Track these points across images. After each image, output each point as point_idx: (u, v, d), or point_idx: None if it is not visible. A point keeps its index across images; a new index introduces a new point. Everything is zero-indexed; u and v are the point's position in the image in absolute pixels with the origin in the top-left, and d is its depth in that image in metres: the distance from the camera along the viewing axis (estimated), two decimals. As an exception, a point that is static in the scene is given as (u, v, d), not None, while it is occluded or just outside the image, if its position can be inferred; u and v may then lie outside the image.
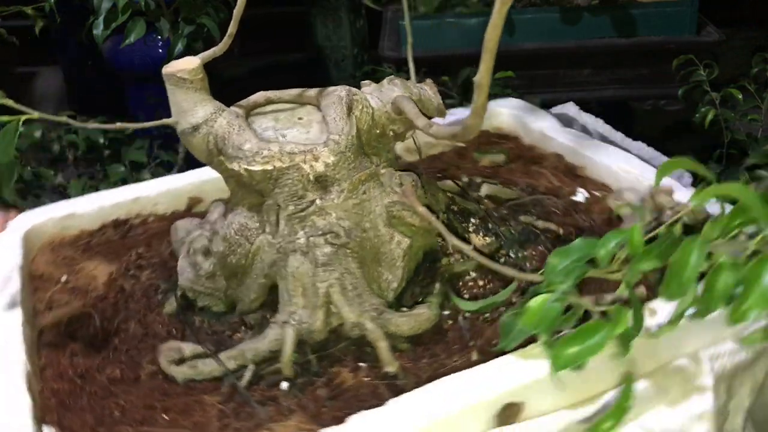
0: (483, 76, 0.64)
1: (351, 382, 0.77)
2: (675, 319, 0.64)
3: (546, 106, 1.74)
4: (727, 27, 2.19)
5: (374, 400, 0.74)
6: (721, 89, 1.61)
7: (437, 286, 0.89)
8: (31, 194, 1.62)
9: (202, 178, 1.11)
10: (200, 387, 0.78)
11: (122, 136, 1.82)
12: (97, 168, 1.81)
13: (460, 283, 0.91)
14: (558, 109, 1.74)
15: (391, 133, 0.89)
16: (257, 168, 0.79)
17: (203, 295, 0.88)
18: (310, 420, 0.72)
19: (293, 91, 0.90)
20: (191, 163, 1.16)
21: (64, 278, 0.94)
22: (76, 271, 0.95)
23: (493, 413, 0.71)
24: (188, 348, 0.81)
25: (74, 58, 2.99)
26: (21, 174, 1.64)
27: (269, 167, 0.79)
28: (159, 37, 2.15)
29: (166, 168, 1.80)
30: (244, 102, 0.88)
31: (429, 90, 0.91)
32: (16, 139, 0.72)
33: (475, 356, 0.80)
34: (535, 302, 0.66)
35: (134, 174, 1.67)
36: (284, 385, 0.78)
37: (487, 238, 0.96)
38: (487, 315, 0.86)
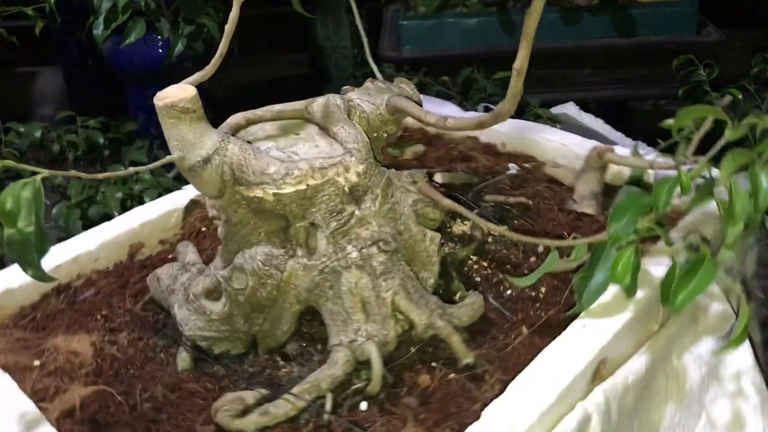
0: (521, 62, 0.66)
1: (433, 383, 0.76)
2: (735, 240, 0.71)
3: (546, 106, 1.74)
4: (728, 27, 2.19)
5: (466, 393, 0.75)
6: (721, 89, 1.61)
7: (454, 274, 0.89)
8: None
9: (140, 222, 1.01)
10: (279, 432, 0.72)
11: (122, 136, 1.82)
12: (98, 168, 1.80)
13: (466, 268, 0.93)
14: (558, 108, 1.74)
15: (385, 135, 0.87)
16: (289, 190, 0.75)
17: (218, 340, 0.82)
18: (424, 429, 0.70)
19: (273, 108, 0.86)
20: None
21: (36, 363, 0.80)
22: (45, 351, 0.82)
23: (592, 373, 0.75)
24: (250, 395, 0.74)
25: (74, 58, 2.97)
26: (21, 175, 1.64)
27: (302, 187, 0.75)
28: (159, 37, 2.14)
29: (166, 168, 1.80)
30: (223, 126, 0.83)
31: (407, 87, 0.90)
32: (42, 205, 0.61)
33: (525, 330, 0.83)
34: (621, 257, 0.74)
35: (135, 174, 1.67)
36: (363, 405, 0.74)
37: (467, 223, 0.96)
38: (509, 291, 0.89)
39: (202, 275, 0.83)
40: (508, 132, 1.22)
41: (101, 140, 1.71)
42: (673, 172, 1.00)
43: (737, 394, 0.90)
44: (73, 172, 0.62)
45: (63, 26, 2.16)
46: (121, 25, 1.55)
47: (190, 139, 0.73)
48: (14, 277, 0.90)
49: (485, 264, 0.94)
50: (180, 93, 0.72)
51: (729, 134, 0.75)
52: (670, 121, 1.00)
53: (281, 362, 0.81)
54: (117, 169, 1.62)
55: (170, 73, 1.86)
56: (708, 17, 2.18)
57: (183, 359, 0.82)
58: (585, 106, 1.84)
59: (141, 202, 1.49)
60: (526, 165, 1.17)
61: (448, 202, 0.84)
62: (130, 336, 0.85)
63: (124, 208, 1.48)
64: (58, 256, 0.95)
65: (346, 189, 0.77)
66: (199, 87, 0.76)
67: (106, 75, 2.54)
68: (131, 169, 0.67)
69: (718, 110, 0.76)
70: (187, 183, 1.10)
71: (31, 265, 0.61)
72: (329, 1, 2.80)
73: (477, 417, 0.71)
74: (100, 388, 0.76)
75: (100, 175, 0.66)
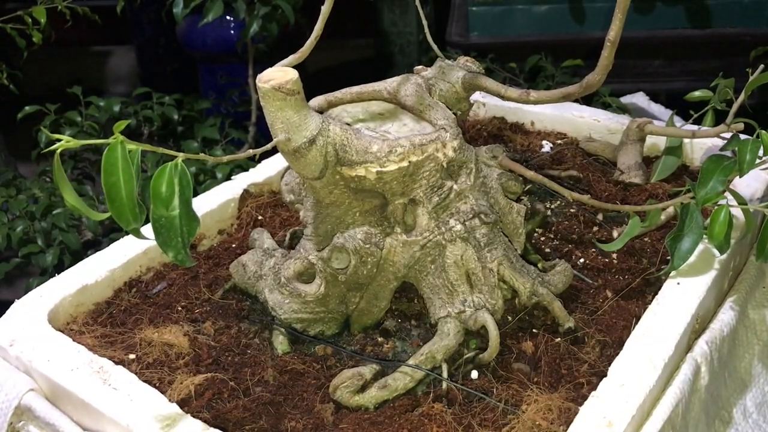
0: (615, 34, 0.68)
1: (539, 348, 0.78)
2: None
3: (614, 96, 1.72)
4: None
5: (572, 355, 0.77)
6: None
7: (527, 246, 0.91)
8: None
9: (201, 213, 1.00)
10: (399, 405, 0.73)
11: (195, 113, 1.88)
12: (170, 143, 1.87)
13: (533, 240, 0.95)
14: (627, 98, 1.72)
15: (459, 113, 0.89)
16: (392, 167, 0.75)
17: (313, 321, 0.83)
18: (544, 391, 0.73)
19: (352, 90, 0.87)
20: (261, 142, 1.16)
21: (132, 357, 0.80)
22: (137, 345, 0.81)
23: (692, 327, 0.80)
24: (367, 370, 0.75)
25: (147, 37, 3.07)
26: (98, 148, 1.70)
27: (405, 164, 0.76)
28: (231, 19, 2.20)
29: (237, 145, 1.85)
30: None
31: (472, 65, 0.91)
32: (190, 188, 0.61)
33: (609, 294, 0.87)
34: (716, 217, 0.78)
35: (207, 150, 1.72)
36: (474, 374, 0.76)
37: (524, 197, 0.98)
38: (582, 259, 0.93)
39: (291, 259, 0.83)
40: (538, 111, 1.24)
41: (176, 116, 1.77)
42: (712, 140, 1.04)
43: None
44: (203, 156, 0.63)
45: (139, 6, 2.22)
46: (201, 5, 1.60)
47: (296, 120, 0.73)
48: (88, 273, 0.90)
49: (551, 236, 0.97)
50: (282, 75, 0.71)
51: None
52: (696, 93, 1.04)
53: (380, 339, 0.82)
54: (190, 145, 1.68)
55: (243, 53, 1.91)
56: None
57: (281, 342, 0.82)
58: (654, 99, 1.81)
59: (213, 176, 1.54)
60: (558, 142, 1.21)
61: (531, 174, 0.86)
62: (215, 324, 0.85)
63: (197, 182, 1.53)
64: (128, 249, 0.94)
65: (444, 164, 0.78)
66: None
67: (178, 55, 2.61)
68: (250, 151, 0.68)
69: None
70: (255, 163, 1.13)
71: (174, 248, 0.61)
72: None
73: (589, 377, 0.74)
74: (211, 375, 0.76)
75: (226, 158, 0.67)
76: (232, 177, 1.11)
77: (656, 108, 1.71)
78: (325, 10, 0.76)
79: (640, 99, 1.73)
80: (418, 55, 2.79)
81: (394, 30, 2.84)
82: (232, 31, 2.20)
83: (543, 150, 1.18)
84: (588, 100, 1.65)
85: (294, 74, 0.72)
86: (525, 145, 1.20)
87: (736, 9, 2.04)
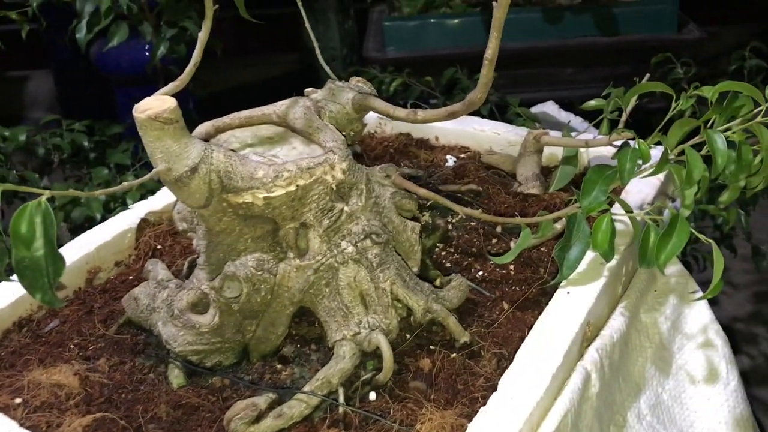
0: (492, 52, 0.69)
1: (435, 365, 0.79)
2: (692, 200, 0.80)
3: (529, 104, 1.76)
4: (718, 24, 2.21)
5: (468, 370, 0.78)
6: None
7: (427, 261, 0.93)
8: (18, 198, 1.62)
9: (95, 245, 0.98)
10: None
11: (107, 139, 1.83)
12: (83, 171, 1.82)
13: (434, 255, 0.97)
14: (538, 107, 1.76)
15: (352, 133, 0.89)
16: (279, 192, 0.75)
17: (210, 353, 0.81)
18: (439, 408, 0.73)
19: (240, 115, 0.87)
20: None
21: (18, 401, 0.77)
22: (24, 388, 0.78)
23: (583, 335, 0.81)
24: (261, 400, 0.74)
25: (64, 61, 2.99)
26: (6, 177, 1.65)
27: (292, 188, 0.75)
28: (146, 40, 2.16)
29: (150, 169, 1.81)
30: (194, 135, 0.81)
31: (364, 85, 0.92)
32: (54, 226, 0.59)
33: (506, 305, 0.88)
34: (599, 226, 0.80)
35: (119, 176, 1.68)
36: (372, 395, 0.76)
37: (425, 213, 0.99)
38: (480, 272, 0.94)
39: (184, 289, 0.82)
40: (442, 126, 1.26)
41: (86, 143, 1.72)
42: (606, 149, 1.08)
43: (706, 344, 0.98)
44: (71, 192, 0.62)
45: (52, 30, 2.16)
46: (106, 28, 1.57)
47: (175, 150, 0.72)
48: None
49: (452, 250, 0.98)
50: (160, 104, 0.70)
51: (680, 104, 0.85)
52: (592, 102, 1.08)
53: (279, 366, 0.81)
54: (101, 172, 1.64)
55: (155, 75, 1.88)
56: (698, 15, 2.19)
57: (176, 376, 0.80)
58: (568, 105, 1.86)
59: (123, 203, 1.50)
60: (462, 156, 1.23)
61: (424, 192, 0.86)
62: (110, 361, 0.83)
63: (108, 210, 1.49)
64: (16, 287, 0.89)
65: (334, 187, 0.78)
66: (183, 91, 0.74)
67: (96, 78, 2.56)
68: (125, 184, 0.67)
69: (665, 85, 0.84)
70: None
71: (41, 289, 0.58)
72: (318, 2, 2.82)
73: (484, 391, 0.75)
74: (101, 415, 0.74)
75: (98, 192, 0.66)
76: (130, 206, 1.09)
77: (566, 116, 1.75)
78: (203, 37, 0.76)
79: (550, 108, 1.77)
80: (342, 70, 2.79)
81: (318, 45, 2.84)
82: (146, 53, 2.16)
83: (447, 164, 1.20)
84: (502, 111, 1.68)
85: (172, 102, 0.70)
86: (430, 160, 1.21)
87: (641, 16, 2.12)
